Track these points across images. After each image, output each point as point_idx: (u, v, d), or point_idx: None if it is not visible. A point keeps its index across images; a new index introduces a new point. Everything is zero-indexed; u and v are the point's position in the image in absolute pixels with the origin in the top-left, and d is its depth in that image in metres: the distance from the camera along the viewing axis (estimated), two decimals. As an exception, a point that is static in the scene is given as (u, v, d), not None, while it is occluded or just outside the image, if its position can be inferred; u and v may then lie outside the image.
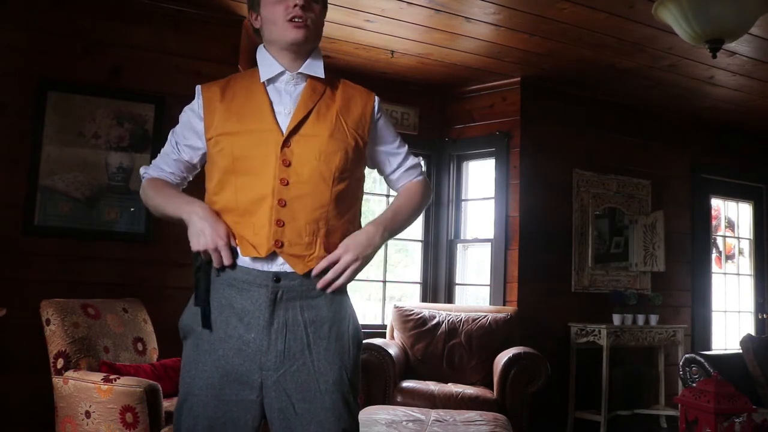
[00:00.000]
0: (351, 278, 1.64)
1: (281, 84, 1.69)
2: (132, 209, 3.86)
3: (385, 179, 1.90)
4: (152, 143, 3.89)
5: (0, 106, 3.67)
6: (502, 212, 5.14)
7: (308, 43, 1.69)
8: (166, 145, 1.80)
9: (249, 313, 1.59)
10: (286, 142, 1.61)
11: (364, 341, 4.67)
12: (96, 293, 3.45)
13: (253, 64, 1.79)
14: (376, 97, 1.78)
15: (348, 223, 1.69)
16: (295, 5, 1.63)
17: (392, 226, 1.75)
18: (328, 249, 1.63)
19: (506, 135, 5.17)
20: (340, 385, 1.60)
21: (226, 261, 1.59)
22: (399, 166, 1.84)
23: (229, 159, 1.62)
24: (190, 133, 1.74)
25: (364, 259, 1.66)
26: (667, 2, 3.39)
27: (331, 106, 1.69)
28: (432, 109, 5.48)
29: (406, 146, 1.86)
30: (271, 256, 1.60)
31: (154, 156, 3.87)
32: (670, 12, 3.42)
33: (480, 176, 5.52)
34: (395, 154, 1.83)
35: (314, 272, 1.61)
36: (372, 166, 1.85)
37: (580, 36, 4.29)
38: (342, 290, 1.67)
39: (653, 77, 5.05)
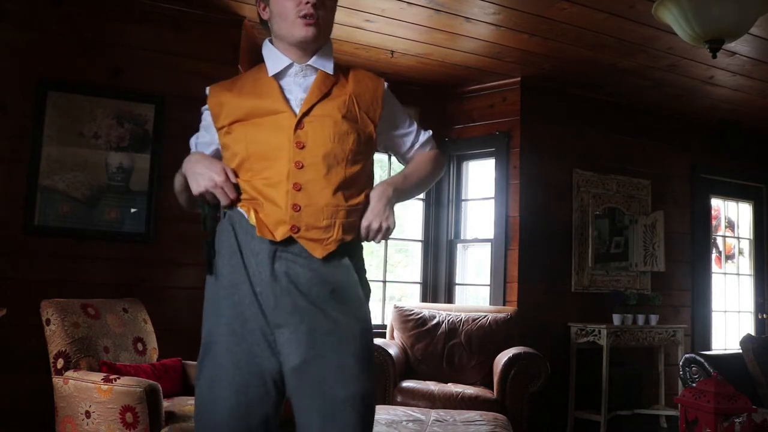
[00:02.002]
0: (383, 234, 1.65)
1: (290, 77, 1.67)
2: (132, 209, 3.86)
3: (400, 159, 1.91)
4: (152, 143, 3.90)
5: (0, 106, 3.67)
6: (502, 212, 5.14)
7: (318, 42, 1.67)
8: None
9: (253, 265, 1.59)
10: (299, 124, 1.60)
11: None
12: (96, 293, 3.44)
13: (253, 64, 1.79)
14: (385, 82, 1.78)
15: (364, 206, 1.68)
16: (307, 2, 1.61)
17: (402, 186, 1.74)
18: (348, 231, 1.62)
19: (506, 135, 5.17)
20: (354, 336, 1.58)
21: (231, 195, 1.59)
22: (413, 144, 1.85)
23: (242, 145, 1.62)
24: (204, 131, 1.76)
25: (387, 217, 1.65)
26: (667, 2, 3.39)
27: (344, 89, 1.68)
28: (432, 109, 5.48)
29: (416, 123, 1.88)
30: None
31: (154, 156, 3.93)
32: (670, 12, 3.42)
33: (480, 176, 5.52)
34: (408, 134, 1.84)
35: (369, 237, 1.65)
36: (385, 150, 1.86)
37: (580, 36, 4.29)
38: (346, 254, 1.64)
39: (653, 77, 5.05)
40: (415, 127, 1.85)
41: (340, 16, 4.02)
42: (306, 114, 1.61)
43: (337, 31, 4.28)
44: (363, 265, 1.71)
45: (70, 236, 3.73)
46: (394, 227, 1.67)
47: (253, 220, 1.59)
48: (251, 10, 3.95)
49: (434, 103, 5.49)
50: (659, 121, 5.95)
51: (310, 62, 1.67)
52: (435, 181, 1.91)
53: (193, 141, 1.79)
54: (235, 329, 1.58)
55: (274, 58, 1.68)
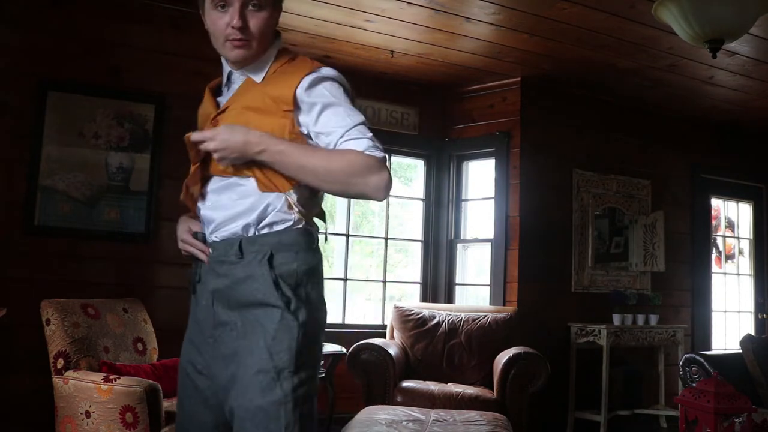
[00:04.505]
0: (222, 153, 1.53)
1: (234, 83, 1.70)
2: (132, 209, 3.86)
3: None
4: (152, 143, 3.89)
5: (0, 106, 3.67)
6: (502, 212, 5.14)
7: (251, 59, 1.63)
8: None
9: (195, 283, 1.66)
10: (213, 120, 1.63)
11: (364, 341, 4.64)
12: (96, 293, 3.45)
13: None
14: (323, 69, 1.57)
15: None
16: (233, 27, 1.56)
17: (284, 150, 1.50)
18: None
19: (506, 135, 5.17)
20: (258, 352, 1.49)
21: (198, 252, 1.66)
22: (336, 142, 1.51)
23: (193, 152, 1.65)
24: None
25: (227, 150, 1.52)
26: (667, 2, 3.39)
27: (264, 83, 1.62)
28: (432, 109, 5.48)
29: (357, 129, 1.50)
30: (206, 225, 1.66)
31: (154, 156, 3.92)
32: (670, 12, 3.42)
33: (480, 176, 5.52)
34: (329, 133, 1.51)
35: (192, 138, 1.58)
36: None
37: (580, 36, 4.29)
38: (264, 255, 1.53)
39: (653, 77, 5.05)
40: (345, 130, 1.49)
41: (340, 16, 4.04)
42: (223, 111, 1.63)
43: (337, 31, 4.28)
44: (297, 273, 1.54)
45: (70, 236, 3.73)
46: (226, 154, 1.52)
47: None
48: (251, 10, 3.95)
49: (434, 103, 5.49)
50: (659, 121, 5.95)
51: (244, 69, 1.65)
52: (348, 187, 1.49)
53: None
54: (193, 339, 1.64)
55: (224, 66, 1.72)
